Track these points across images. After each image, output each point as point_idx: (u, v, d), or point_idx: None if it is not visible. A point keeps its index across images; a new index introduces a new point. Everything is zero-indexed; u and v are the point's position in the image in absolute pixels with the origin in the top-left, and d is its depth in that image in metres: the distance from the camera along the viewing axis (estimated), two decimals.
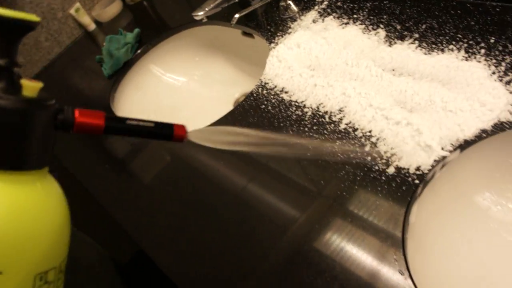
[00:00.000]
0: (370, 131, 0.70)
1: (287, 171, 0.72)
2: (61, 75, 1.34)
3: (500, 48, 0.70)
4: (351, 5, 0.94)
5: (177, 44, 1.24)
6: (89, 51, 1.34)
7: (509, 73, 0.66)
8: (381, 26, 0.86)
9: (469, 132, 0.63)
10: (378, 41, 0.84)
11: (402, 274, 0.54)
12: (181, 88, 1.26)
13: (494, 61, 0.69)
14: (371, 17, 0.88)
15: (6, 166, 0.39)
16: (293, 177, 0.71)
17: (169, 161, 0.88)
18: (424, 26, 0.80)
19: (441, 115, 0.66)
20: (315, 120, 0.76)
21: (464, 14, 0.78)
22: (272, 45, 0.95)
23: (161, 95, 1.23)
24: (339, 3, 0.96)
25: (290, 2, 1.00)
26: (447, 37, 0.76)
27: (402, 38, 0.81)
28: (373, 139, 0.68)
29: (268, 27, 1.01)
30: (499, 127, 0.62)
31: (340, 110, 0.75)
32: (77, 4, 1.43)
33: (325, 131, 0.73)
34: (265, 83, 0.88)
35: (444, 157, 0.62)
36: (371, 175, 0.65)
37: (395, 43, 0.81)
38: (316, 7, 0.98)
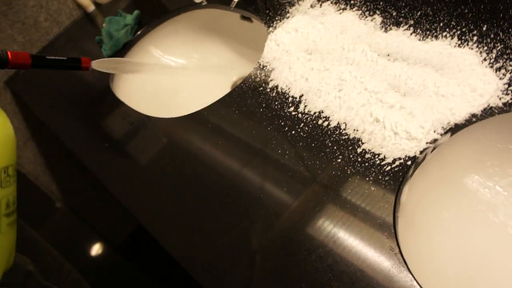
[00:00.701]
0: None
1: (281, 156, 0.74)
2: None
3: (492, 35, 0.72)
4: None
5: (176, 26, 1.25)
6: (88, 32, 1.35)
7: (500, 60, 0.69)
8: (377, 12, 0.88)
9: (460, 117, 0.65)
10: (374, 27, 0.86)
11: (392, 250, 0.57)
12: (180, 70, 1.27)
13: (485, 48, 0.71)
14: (368, 3, 0.90)
15: None
16: (287, 162, 0.73)
17: (166, 143, 0.90)
18: (419, 13, 0.82)
19: (434, 100, 0.68)
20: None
21: (458, 2, 0.80)
22: (271, 29, 0.97)
23: (160, 77, 1.25)
24: None
25: None
26: (441, 24, 0.79)
27: (397, 24, 0.83)
28: (368, 123, 0.71)
29: (267, 12, 1.02)
30: (489, 112, 0.65)
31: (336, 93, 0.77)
32: None
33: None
34: (263, 66, 0.90)
35: (435, 140, 0.64)
36: (366, 156, 0.67)
37: (391, 29, 0.83)
38: None
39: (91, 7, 1.46)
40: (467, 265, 0.64)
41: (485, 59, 0.70)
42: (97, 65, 0.91)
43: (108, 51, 1.19)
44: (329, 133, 0.73)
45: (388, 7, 0.87)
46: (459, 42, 0.74)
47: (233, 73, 1.19)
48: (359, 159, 0.67)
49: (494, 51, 0.70)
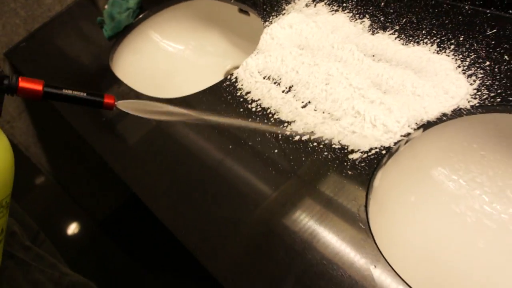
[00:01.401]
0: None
1: (263, 147, 0.80)
2: (61, 32, 1.39)
3: (467, 45, 0.80)
4: None
5: (176, 14, 1.31)
6: (90, 13, 1.38)
7: (472, 68, 0.76)
8: (367, 16, 0.95)
9: (432, 115, 0.73)
10: (362, 29, 0.93)
11: (362, 226, 0.64)
12: (177, 55, 1.33)
13: (460, 56, 0.79)
14: (359, 7, 0.97)
15: None
16: (269, 153, 0.79)
17: (153, 127, 0.96)
18: (404, 20, 0.90)
19: (410, 98, 0.75)
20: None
21: (440, 13, 0.88)
22: (267, 23, 1.03)
23: (157, 60, 1.31)
24: None
25: None
26: (423, 32, 0.86)
27: (384, 28, 0.90)
28: (350, 115, 0.77)
29: (264, 7, 1.08)
30: (458, 113, 0.72)
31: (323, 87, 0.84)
32: None
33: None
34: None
35: (408, 134, 0.72)
36: (345, 146, 0.74)
37: (378, 32, 0.90)
38: None
39: None
40: (428, 246, 0.72)
41: (459, 66, 0.77)
42: (123, 105, 0.76)
43: (109, 32, 1.24)
44: None
45: (377, 12, 0.94)
46: (438, 49, 0.82)
47: (228, 62, 1.26)
48: (339, 146, 0.74)
49: (468, 59, 0.78)
